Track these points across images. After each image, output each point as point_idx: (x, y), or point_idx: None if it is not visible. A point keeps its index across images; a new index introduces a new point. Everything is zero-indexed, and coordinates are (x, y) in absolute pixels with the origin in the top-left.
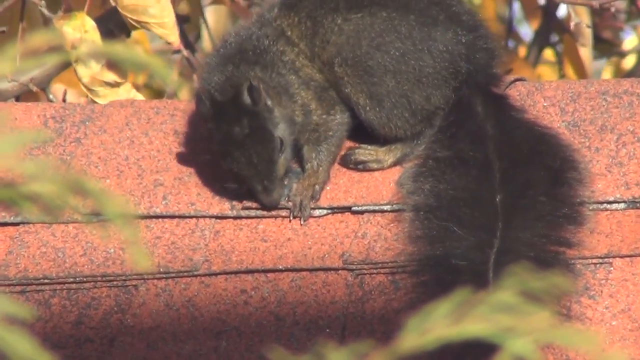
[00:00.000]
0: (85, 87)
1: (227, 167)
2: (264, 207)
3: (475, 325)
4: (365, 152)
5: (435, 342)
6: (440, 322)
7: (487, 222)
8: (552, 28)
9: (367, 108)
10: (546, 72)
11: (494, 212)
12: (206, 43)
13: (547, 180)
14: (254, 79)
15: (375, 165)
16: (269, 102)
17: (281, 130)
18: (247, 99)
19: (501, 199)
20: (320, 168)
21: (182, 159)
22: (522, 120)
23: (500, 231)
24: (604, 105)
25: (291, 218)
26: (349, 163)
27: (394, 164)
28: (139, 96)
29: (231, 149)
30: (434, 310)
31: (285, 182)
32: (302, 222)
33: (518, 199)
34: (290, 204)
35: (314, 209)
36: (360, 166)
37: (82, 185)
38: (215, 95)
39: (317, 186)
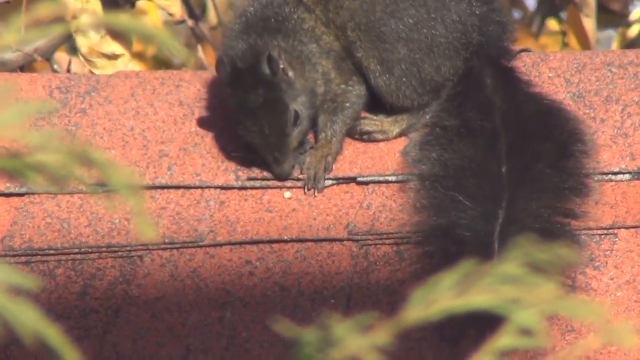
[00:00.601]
0: (84, 57)
1: (240, 135)
2: (275, 178)
3: (480, 296)
4: (371, 123)
5: (440, 313)
6: (445, 294)
7: (493, 192)
8: None
9: (377, 74)
10: (550, 42)
11: (499, 183)
12: (211, 13)
13: (554, 153)
14: (275, 49)
15: (380, 136)
16: (291, 74)
17: (299, 103)
18: (265, 68)
19: (507, 170)
20: (334, 139)
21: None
22: (531, 94)
23: (505, 202)
24: (609, 76)
25: (306, 190)
26: (354, 133)
27: (400, 135)
28: (137, 69)
29: (244, 117)
30: (439, 282)
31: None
32: (315, 194)
33: (524, 171)
34: (302, 175)
35: None
36: (365, 136)
37: (87, 156)
38: (237, 62)
39: (329, 157)
